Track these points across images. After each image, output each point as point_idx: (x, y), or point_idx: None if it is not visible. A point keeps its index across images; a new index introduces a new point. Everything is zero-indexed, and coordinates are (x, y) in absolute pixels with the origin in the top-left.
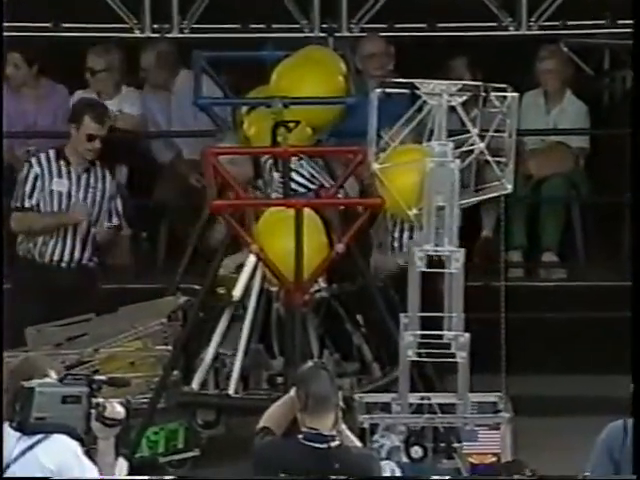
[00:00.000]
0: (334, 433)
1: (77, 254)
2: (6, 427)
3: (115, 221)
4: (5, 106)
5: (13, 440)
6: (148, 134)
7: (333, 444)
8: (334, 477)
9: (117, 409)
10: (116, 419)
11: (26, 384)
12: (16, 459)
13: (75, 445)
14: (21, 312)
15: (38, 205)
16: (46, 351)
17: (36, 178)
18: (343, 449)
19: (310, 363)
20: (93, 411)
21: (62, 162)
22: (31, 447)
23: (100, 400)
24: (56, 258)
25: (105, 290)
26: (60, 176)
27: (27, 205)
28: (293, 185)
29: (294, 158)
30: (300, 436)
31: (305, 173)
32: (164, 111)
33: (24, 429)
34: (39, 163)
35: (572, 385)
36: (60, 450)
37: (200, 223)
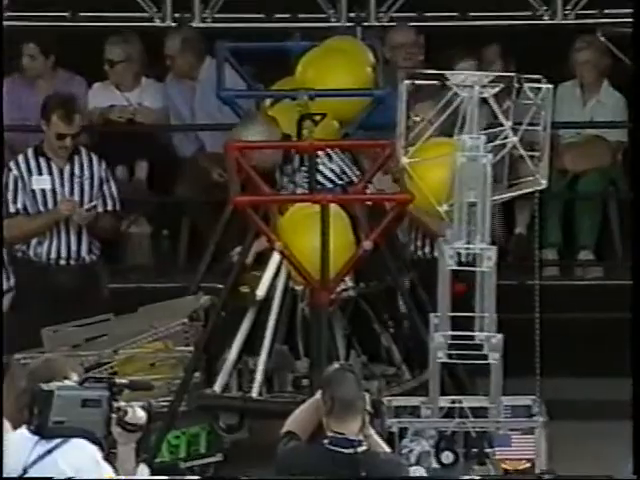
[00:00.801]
0: (361, 438)
1: (74, 248)
2: (23, 431)
3: (110, 205)
4: (20, 98)
5: (30, 444)
6: (169, 127)
7: (360, 449)
8: None
9: (138, 414)
10: (137, 424)
11: (45, 387)
12: (34, 463)
13: (94, 450)
14: (29, 314)
15: (25, 208)
16: (63, 352)
17: (16, 181)
18: (370, 454)
19: (336, 365)
20: (114, 415)
21: (42, 159)
22: (49, 451)
23: (121, 404)
24: (53, 256)
25: (121, 289)
26: (41, 173)
27: (12, 210)
28: (321, 179)
29: (321, 152)
30: (325, 441)
31: (334, 168)
32: (187, 102)
33: (42, 433)
34: (17, 165)
35: (609, 388)
36: (79, 455)
37: (222, 220)
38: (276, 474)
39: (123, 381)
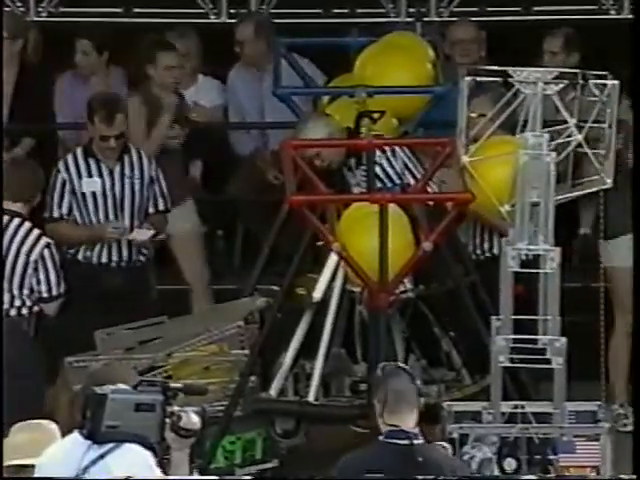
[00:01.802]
0: (417, 431)
1: (125, 252)
2: (76, 435)
3: (161, 205)
4: (74, 95)
5: (83, 448)
6: (225, 125)
7: (416, 441)
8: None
9: (193, 419)
10: (192, 430)
11: (98, 390)
12: (87, 468)
13: (148, 455)
14: (81, 317)
15: (70, 212)
16: (117, 355)
17: (64, 184)
18: (427, 447)
19: (387, 365)
20: (168, 420)
21: (91, 160)
22: (102, 456)
23: (175, 409)
24: (104, 260)
25: (175, 290)
26: (90, 175)
27: (55, 215)
28: (383, 178)
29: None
30: (381, 437)
31: (397, 166)
32: (253, 93)
33: (95, 437)
34: (66, 167)
35: None
36: (132, 460)
37: (278, 220)
38: (336, 475)
39: (177, 385)
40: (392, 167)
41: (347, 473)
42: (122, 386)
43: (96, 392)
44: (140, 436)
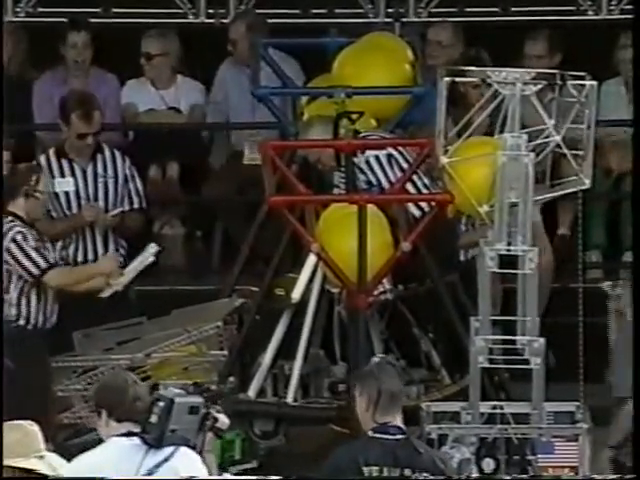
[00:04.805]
0: (404, 428)
1: (100, 250)
2: (134, 440)
3: (136, 203)
4: (52, 96)
5: (141, 452)
6: (203, 126)
7: (403, 436)
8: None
9: (225, 420)
10: (223, 430)
11: (164, 393)
12: (150, 473)
13: (199, 458)
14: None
15: (49, 211)
16: (95, 356)
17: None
18: (414, 441)
19: (377, 359)
20: (208, 422)
21: (64, 160)
22: (167, 459)
23: (211, 411)
24: (80, 259)
25: (154, 291)
26: (63, 175)
27: None
28: (372, 179)
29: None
30: (370, 432)
31: (389, 169)
32: (244, 90)
33: (161, 442)
34: (40, 168)
35: None
36: (192, 463)
37: (257, 221)
38: (324, 471)
39: (214, 387)
40: (385, 174)
41: (334, 469)
42: (174, 389)
43: (164, 396)
44: (186, 438)
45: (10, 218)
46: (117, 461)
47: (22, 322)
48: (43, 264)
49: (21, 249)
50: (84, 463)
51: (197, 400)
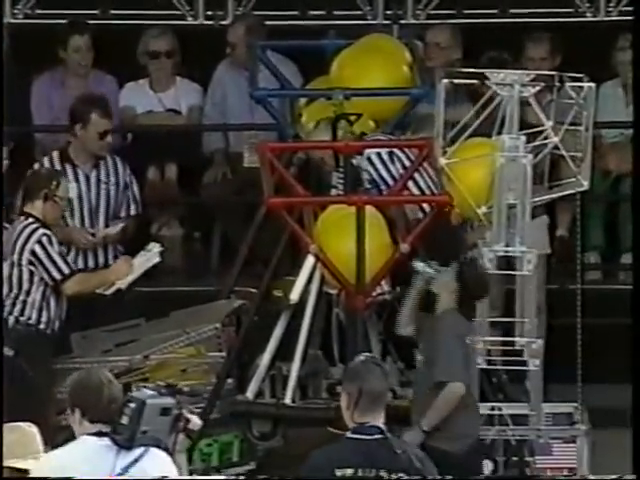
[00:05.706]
0: (384, 427)
1: (101, 258)
2: (105, 440)
3: (133, 210)
4: (51, 98)
5: (112, 453)
6: (201, 128)
7: (382, 436)
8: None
9: (197, 421)
10: (195, 431)
11: (136, 395)
12: (120, 474)
13: (169, 459)
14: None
15: (63, 217)
16: (94, 358)
17: None
18: (393, 441)
19: (362, 358)
20: (180, 423)
21: (67, 165)
22: (136, 460)
23: (183, 412)
24: (80, 266)
25: (153, 293)
26: (67, 180)
27: None
28: (375, 176)
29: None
30: (348, 433)
31: (394, 169)
32: (242, 92)
33: (131, 444)
34: None
35: None
36: (162, 463)
37: (256, 222)
38: (301, 474)
39: (185, 388)
40: (385, 168)
41: (313, 470)
42: (147, 391)
43: (135, 397)
44: (157, 439)
45: (31, 220)
46: (89, 461)
47: (42, 326)
48: (66, 270)
49: (47, 253)
50: (55, 460)
51: (169, 401)
